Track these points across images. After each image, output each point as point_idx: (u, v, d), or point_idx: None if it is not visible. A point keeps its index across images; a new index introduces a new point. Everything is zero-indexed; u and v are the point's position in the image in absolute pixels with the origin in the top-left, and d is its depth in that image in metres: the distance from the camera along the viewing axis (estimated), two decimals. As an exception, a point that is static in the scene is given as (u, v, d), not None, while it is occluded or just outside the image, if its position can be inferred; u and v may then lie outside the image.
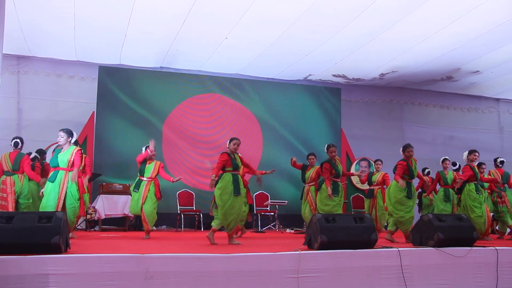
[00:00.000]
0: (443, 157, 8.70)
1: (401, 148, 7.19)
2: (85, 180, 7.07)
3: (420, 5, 7.48)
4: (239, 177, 6.22)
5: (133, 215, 7.59)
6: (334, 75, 11.28)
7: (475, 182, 7.41)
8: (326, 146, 7.39)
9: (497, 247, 5.57)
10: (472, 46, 9.10)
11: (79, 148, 6.08)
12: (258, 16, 7.91)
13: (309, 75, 11.33)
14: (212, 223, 6.24)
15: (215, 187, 6.05)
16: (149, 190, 7.25)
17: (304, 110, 11.41)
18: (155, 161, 7.47)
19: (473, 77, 11.27)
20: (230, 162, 6.13)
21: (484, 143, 12.11)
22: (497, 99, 13.24)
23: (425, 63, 10.25)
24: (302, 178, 8.78)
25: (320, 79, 11.61)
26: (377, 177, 8.45)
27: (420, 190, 9.30)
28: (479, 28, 8.30)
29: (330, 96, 11.68)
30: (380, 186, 8.24)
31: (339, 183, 7.34)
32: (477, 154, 7.57)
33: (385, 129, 12.10)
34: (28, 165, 7.34)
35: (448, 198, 8.37)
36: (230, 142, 6.22)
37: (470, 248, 5.46)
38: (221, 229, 6.27)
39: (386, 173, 8.33)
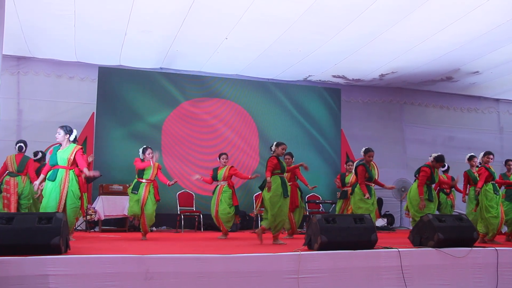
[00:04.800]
0: (469, 154, 8.19)
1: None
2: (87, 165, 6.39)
3: (420, 6, 7.48)
4: (285, 180, 6.56)
5: (132, 216, 7.54)
6: (334, 76, 11.28)
7: (493, 182, 7.33)
8: (364, 150, 7.37)
9: (497, 247, 5.57)
10: (471, 46, 9.10)
11: (80, 146, 5.88)
12: (258, 16, 7.91)
13: (309, 75, 11.33)
14: (262, 223, 6.66)
15: (268, 189, 6.34)
16: (149, 192, 7.22)
17: (304, 111, 11.41)
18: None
19: (473, 78, 11.27)
20: (279, 165, 6.49)
21: (484, 144, 12.10)
22: (497, 100, 13.24)
23: (424, 64, 10.25)
24: None
25: (320, 80, 11.62)
26: (350, 178, 8.50)
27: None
28: (478, 29, 8.29)
29: (330, 96, 11.68)
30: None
31: (371, 186, 7.27)
32: (491, 156, 7.50)
33: (385, 130, 12.11)
34: (33, 169, 7.53)
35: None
36: (278, 146, 6.59)
37: (470, 248, 5.47)
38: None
39: None
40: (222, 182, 7.83)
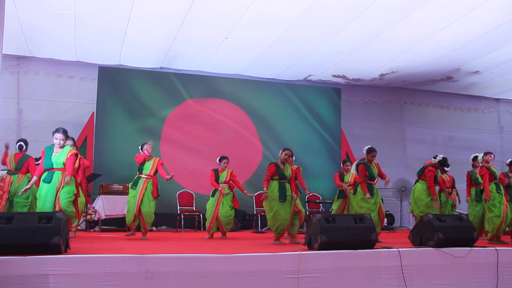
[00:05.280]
0: (474, 155, 8.23)
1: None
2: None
3: (420, 6, 7.48)
4: (286, 185, 6.58)
5: (129, 224, 7.46)
6: (334, 76, 11.28)
7: (495, 181, 7.30)
8: (367, 149, 7.26)
9: (497, 247, 5.57)
10: (472, 46, 9.10)
11: (75, 151, 5.77)
12: (258, 16, 7.91)
13: (309, 75, 11.33)
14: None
15: (265, 199, 6.48)
16: (146, 188, 7.18)
17: (304, 111, 11.41)
18: (154, 158, 7.44)
19: (473, 77, 11.27)
20: (276, 172, 6.55)
21: (484, 143, 12.11)
22: (497, 99, 13.24)
23: (425, 64, 10.25)
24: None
25: (320, 80, 11.62)
26: (349, 178, 8.51)
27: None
28: (479, 28, 8.29)
29: (330, 96, 11.68)
30: (352, 187, 8.16)
31: (374, 185, 7.20)
32: (492, 155, 7.51)
33: (385, 129, 12.11)
34: (34, 168, 7.40)
35: (480, 198, 7.83)
36: (281, 152, 6.67)
37: (470, 248, 5.46)
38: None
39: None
40: (223, 184, 7.85)
